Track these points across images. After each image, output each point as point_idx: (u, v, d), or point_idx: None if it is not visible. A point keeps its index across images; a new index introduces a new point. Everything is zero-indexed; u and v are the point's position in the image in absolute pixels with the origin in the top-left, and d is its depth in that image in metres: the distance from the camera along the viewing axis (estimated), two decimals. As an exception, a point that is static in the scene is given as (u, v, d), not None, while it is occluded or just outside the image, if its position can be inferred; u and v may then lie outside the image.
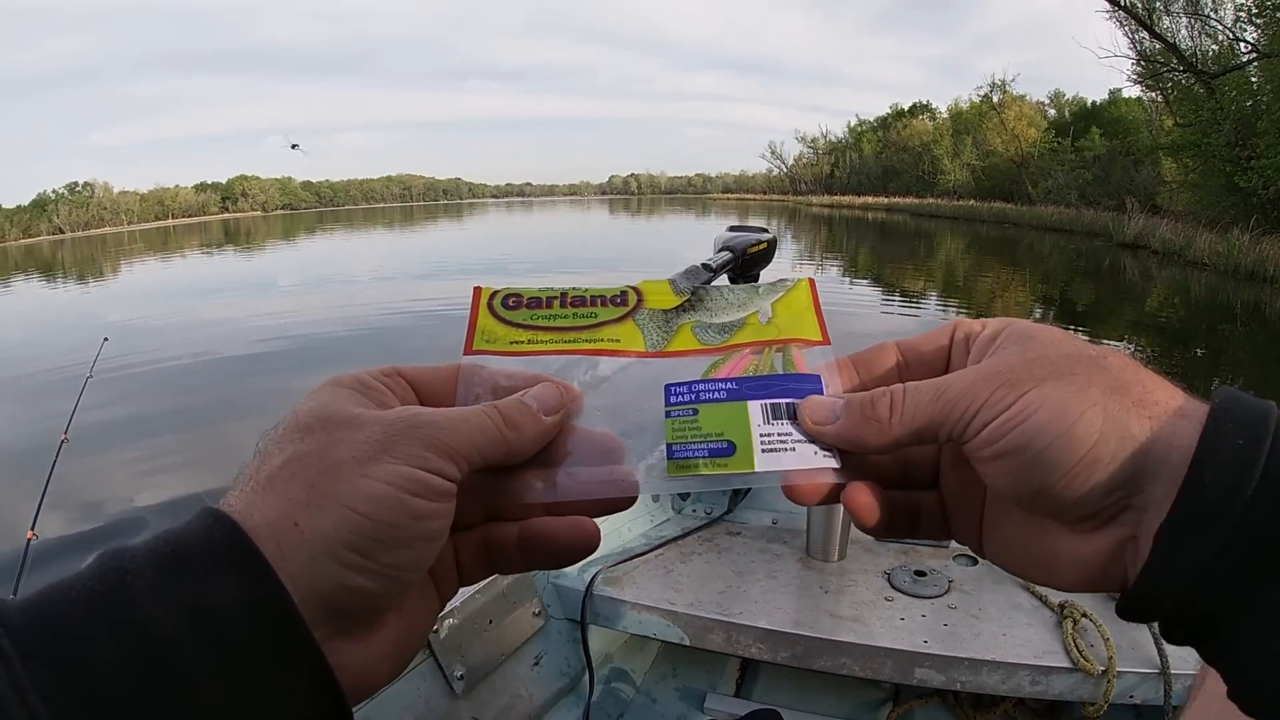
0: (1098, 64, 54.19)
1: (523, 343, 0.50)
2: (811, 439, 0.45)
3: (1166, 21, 24.84)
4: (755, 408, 0.46)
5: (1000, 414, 0.39)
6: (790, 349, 0.50)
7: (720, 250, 1.67)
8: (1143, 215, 27.01)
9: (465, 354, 0.49)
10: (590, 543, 0.45)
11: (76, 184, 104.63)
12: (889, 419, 0.42)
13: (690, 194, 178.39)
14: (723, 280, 1.67)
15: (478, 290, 0.53)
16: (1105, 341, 10.52)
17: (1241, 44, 23.11)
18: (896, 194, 67.30)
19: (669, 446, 0.46)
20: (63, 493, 4.18)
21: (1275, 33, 20.91)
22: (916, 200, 60.63)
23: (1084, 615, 1.48)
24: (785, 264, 19.95)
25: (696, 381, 0.48)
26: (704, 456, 0.45)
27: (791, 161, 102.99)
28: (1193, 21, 24.25)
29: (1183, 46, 24.52)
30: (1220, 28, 23.67)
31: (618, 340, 0.51)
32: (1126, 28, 26.25)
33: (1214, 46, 24.12)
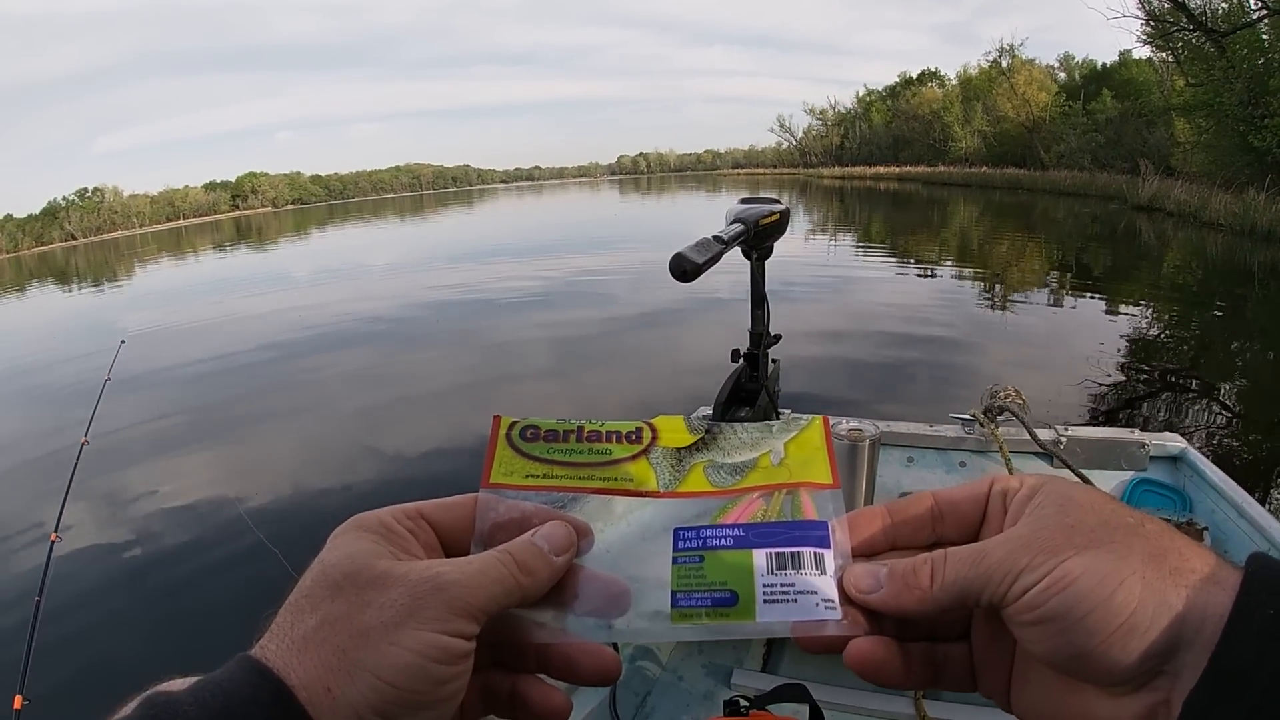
0: (1107, 25, 53.44)
1: (538, 477, 0.51)
2: (817, 592, 0.46)
3: (1175, -22, 24.55)
4: (760, 557, 0.47)
5: (1041, 580, 0.39)
6: (800, 493, 0.50)
7: (733, 223, 1.66)
8: (1157, 177, 26.73)
9: (483, 486, 0.50)
10: (610, 672, 0.47)
11: (87, 190, 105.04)
12: (930, 586, 0.44)
13: (700, 171, 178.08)
14: (735, 253, 1.65)
15: (497, 420, 0.53)
16: (1124, 306, 10.48)
17: (1252, 1, 22.81)
18: (908, 163, 66.79)
19: (674, 595, 0.47)
20: (84, 495, 4.21)
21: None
22: (928, 169, 60.17)
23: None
24: (798, 237, 19.91)
25: (704, 527, 0.49)
26: (707, 606, 0.46)
27: (801, 134, 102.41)
28: (1202, -22, 23.96)
29: (1192, 5, 24.20)
30: (1230, -16, 23.38)
31: (631, 479, 0.51)
32: (1135, -13, 25.95)
33: (1224, 4, 23.72)
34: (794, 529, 0.48)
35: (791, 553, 0.47)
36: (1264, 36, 22.55)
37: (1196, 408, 6.22)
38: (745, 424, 0.54)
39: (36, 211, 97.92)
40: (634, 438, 0.53)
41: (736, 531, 0.48)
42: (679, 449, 0.53)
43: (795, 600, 0.46)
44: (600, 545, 0.49)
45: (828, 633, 0.45)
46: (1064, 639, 0.39)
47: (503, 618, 0.45)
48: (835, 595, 0.46)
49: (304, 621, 0.40)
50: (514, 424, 0.53)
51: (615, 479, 0.51)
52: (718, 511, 0.50)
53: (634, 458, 0.52)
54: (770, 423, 0.54)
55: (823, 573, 0.47)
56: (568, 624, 0.46)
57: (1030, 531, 0.42)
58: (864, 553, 0.48)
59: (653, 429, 0.54)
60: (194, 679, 0.41)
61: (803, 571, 0.46)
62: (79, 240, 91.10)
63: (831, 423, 1.63)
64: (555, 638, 0.46)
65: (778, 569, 0.47)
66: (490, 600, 0.42)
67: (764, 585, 0.46)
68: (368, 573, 0.41)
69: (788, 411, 2.14)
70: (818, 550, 0.47)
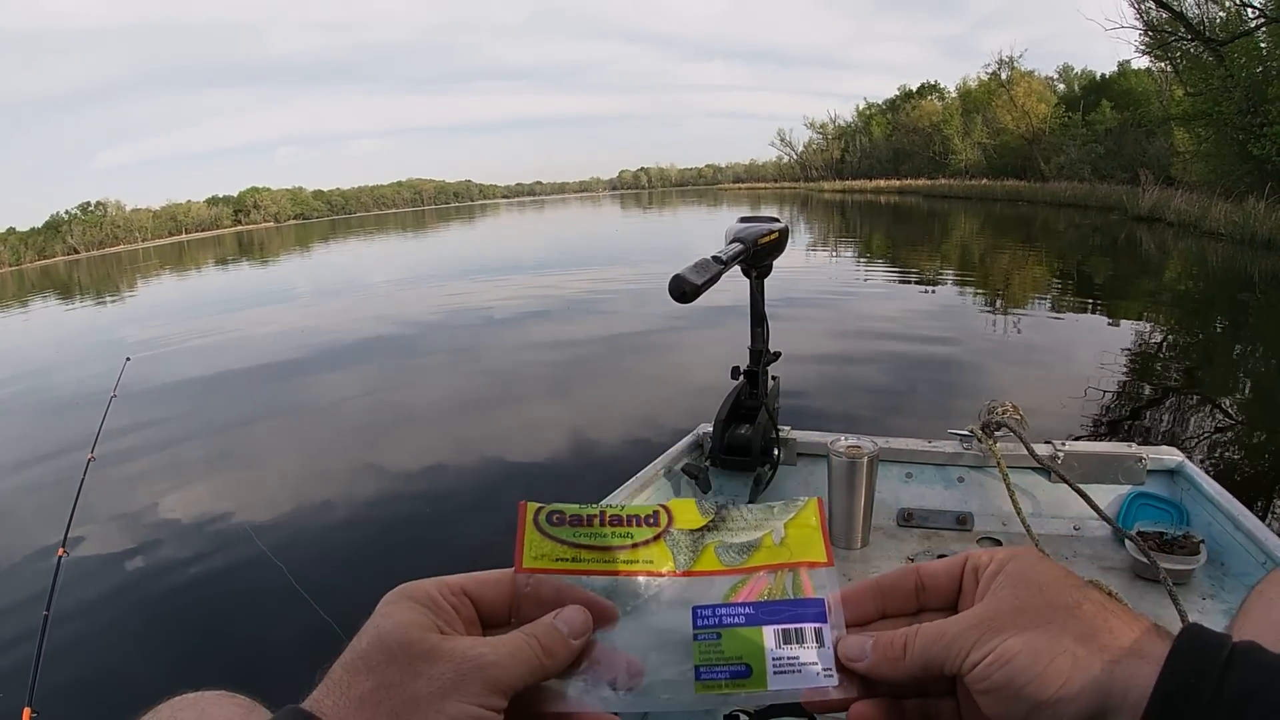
0: (1105, 36, 53.62)
1: (567, 560, 0.56)
2: (818, 663, 0.53)
3: (1173, -11, 24.58)
4: (769, 633, 0.54)
5: (987, 655, 0.46)
6: (800, 573, 0.56)
7: (731, 242, 1.68)
8: (1157, 187, 26.73)
9: (517, 572, 0.55)
10: None
11: (89, 204, 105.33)
12: (904, 658, 0.50)
13: (701, 185, 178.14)
14: (735, 271, 1.67)
15: (523, 506, 0.58)
16: (1125, 317, 10.47)
17: (1249, 9, 22.78)
18: (908, 176, 66.75)
19: (697, 668, 0.52)
20: (91, 510, 4.23)
21: (1284, -3, 20.67)
22: (928, 181, 60.08)
23: (1109, 594, 1.47)
24: (799, 252, 19.91)
25: (720, 606, 0.55)
26: (726, 678, 0.52)
27: (801, 148, 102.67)
28: (1199, -11, 23.99)
29: (1189, 14, 24.20)
30: (1227, -7, 23.41)
31: (651, 561, 0.57)
32: (1133, -2, 25.99)
33: (1221, 13, 23.77)
34: (796, 606, 0.55)
35: (795, 629, 0.54)
36: (1262, 45, 22.55)
37: (1197, 419, 6.21)
38: (749, 506, 0.60)
39: (39, 225, 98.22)
40: (652, 521, 0.58)
41: (748, 610, 0.55)
42: (692, 531, 0.58)
43: (800, 671, 0.53)
44: (625, 622, 0.54)
45: (829, 698, 0.52)
46: (1008, 706, 0.46)
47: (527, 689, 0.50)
48: (833, 664, 0.53)
49: (360, 683, 0.46)
50: (539, 509, 0.58)
51: (636, 561, 0.57)
52: (729, 590, 0.56)
53: (653, 540, 0.58)
54: (771, 505, 0.60)
55: (822, 645, 0.54)
56: (591, 696, 0.52)
57: (984, 611, 0.49)
58: (857, 621, 0.55)
59: (668, 511, 0.59)
60: (205, 694, 0.45)
61: (805, 645, 0.53)
62: (81, 254, 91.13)
63: (830, 439, 1.65)
64: (577, 707, 0.51)
65: (784, 643, 0.53)
66: (519, 679, 0.48)
67: (773, 659, 0.53)
68: (420, 645, 0.47)
69: (788, 427, 2.16)
70: (816, 626, 0.54)
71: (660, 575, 0.56)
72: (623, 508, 0.59)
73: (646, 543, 0.57)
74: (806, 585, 0.56)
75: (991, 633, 0.47)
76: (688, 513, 0.59)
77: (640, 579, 0.56)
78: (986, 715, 0.48)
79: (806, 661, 0.53)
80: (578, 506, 0.58)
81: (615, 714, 0.51)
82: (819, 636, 0.54)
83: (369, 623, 0.49)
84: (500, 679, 0.47)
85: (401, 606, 0.50)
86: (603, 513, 0.58)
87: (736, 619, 0.54)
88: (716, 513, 0.59)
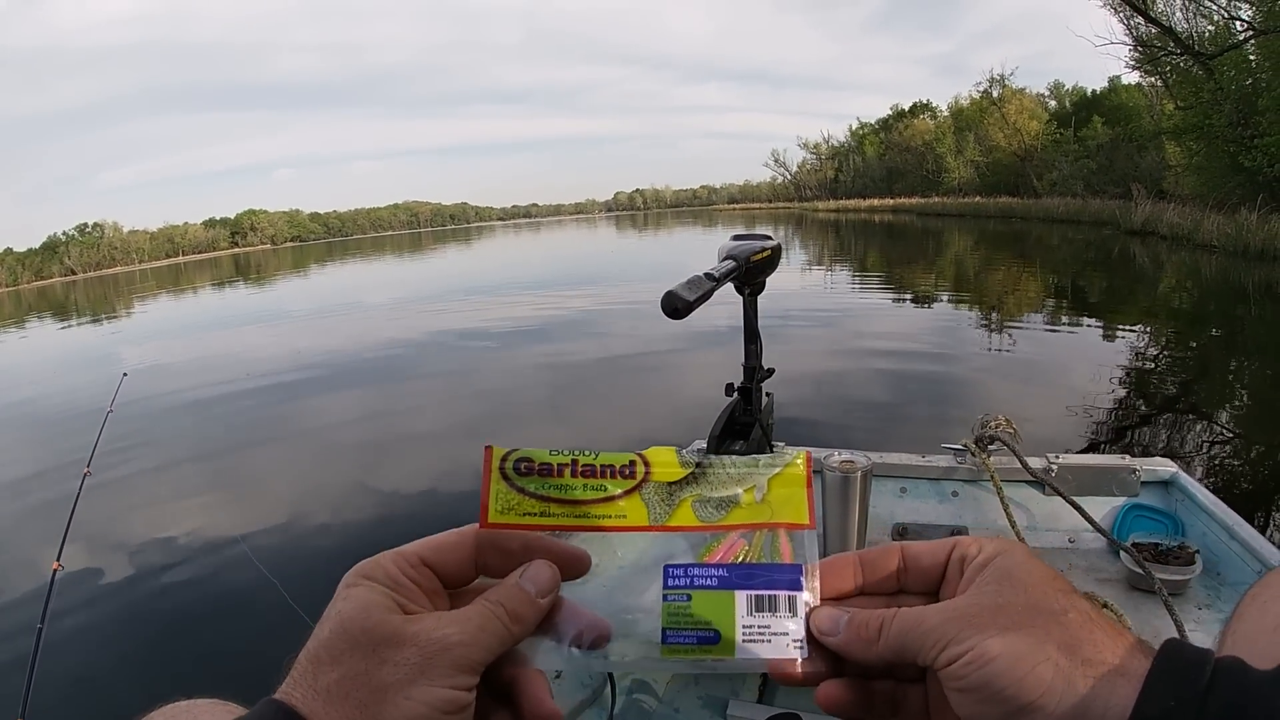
0: (1095, 52, 53.94)
1: (536, 515, 0.53)
2: (789, 633, 0.51)
3: (1161, 4, 24.73)
4: (741, 598, 0.52)
5: (965, 653, 0.44)
6: (778, 535, 0.54)
7: (724, 259, 1.68)
8: (1149, 201, 26.87)
9: (481, 527, 0.53)
10: None
11: (87, 225, 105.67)
12: (877, 640, 0.48)
13: (696, 206, 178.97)
14: (728, 287, 1.67)
15: (489, 451, 0.54)
16: (1119, 330, 10.49)
17: (1237, 22, 22.96)
18: (901, 195, 67.06)
19: (664, 631, 0.51)
20: (87, 525, 4.22)
21: (1271, 9, 20.78)
22: (922, 200, 60.41)
23: (1105, 605, 1.49)
24: (794, 270, 19.94)
25: (692, 566, 0.53)
26: (693, 643, 0.51)
27: (795, 168, 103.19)
28: (1187, 3, 24.10)
29: (1178, 29, 24.38)
30: (1215, 7, 23.50)
31: (624, 515, 0.54)
32: (1121, 14, 26.14)
33: (1210, 27, 23.95)
34: (771, 572, 0.52)
35: (768, 596, 0.52)
36: (1251, 57, 22.74)
37: (1191, 431, 6.21)
38: (735, 458, 0.56)
39: (36, 246, 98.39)
40: (627, 472, 0.55)
41: (721, 572, 0.52)
42: (670, 484, 0.55)
43: (770, 641, 0.50)
44: (595, 577, 0.53)
45: (796, 670, 0.50)
46: (982, 708, 0.44)
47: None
48: (804, 636, 0.51)
49: (326, 674, 0.44)
50: (506, 455, 0.54)
51: (609, 515, 0.54)
52: (704, 549, 0.53)
53: (628, 493, 0.54)
54: (758, 456, 0.56)
55: (794, 614, 0.51)
56: (558, 655, 0.50)
57: (965, 604, 0.47)
58: (834, 596, 0.53)
59: (645, 463, 0.55)
60: (198, 702, 0.47)
61: (777, 614, 0.51)
62: (79, 275, 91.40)
63: (824, 455, 1.65)
64: (548, 665, 0.50)
65: (756, 611, 0.51)
66: (489, 653, 0.47)
67: (743, 626, 0.51)
68: (383, 629, 0.46)
69: (781, 444, 2.16)
70: (790, 594, 0.52)
71: (633, 530, 0.54)
72: (597, 455, 0.55)
73: (620, 495, 0.54)
74: (785, 549, 0.53)
75: (971, 629, 0.45)
76: (666, 464, 0.56)
77: (613, 534, 0.54)
78: (957, 713, 0.46)
79: (777, 631, 0.51)
80: (548, 453, 0.55)
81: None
82: (792, 605, 0.51)
83: (329, 608, 0.48)
84: (467, 658, 0.46)
85: (361, 590, 0.48)
86: (575, 461, 0.55)
87: (709, 581, 0.52)
88: (697, 464, 0.56)
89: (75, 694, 3.41)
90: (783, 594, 0.52)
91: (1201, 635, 1.43)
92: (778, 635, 0.50)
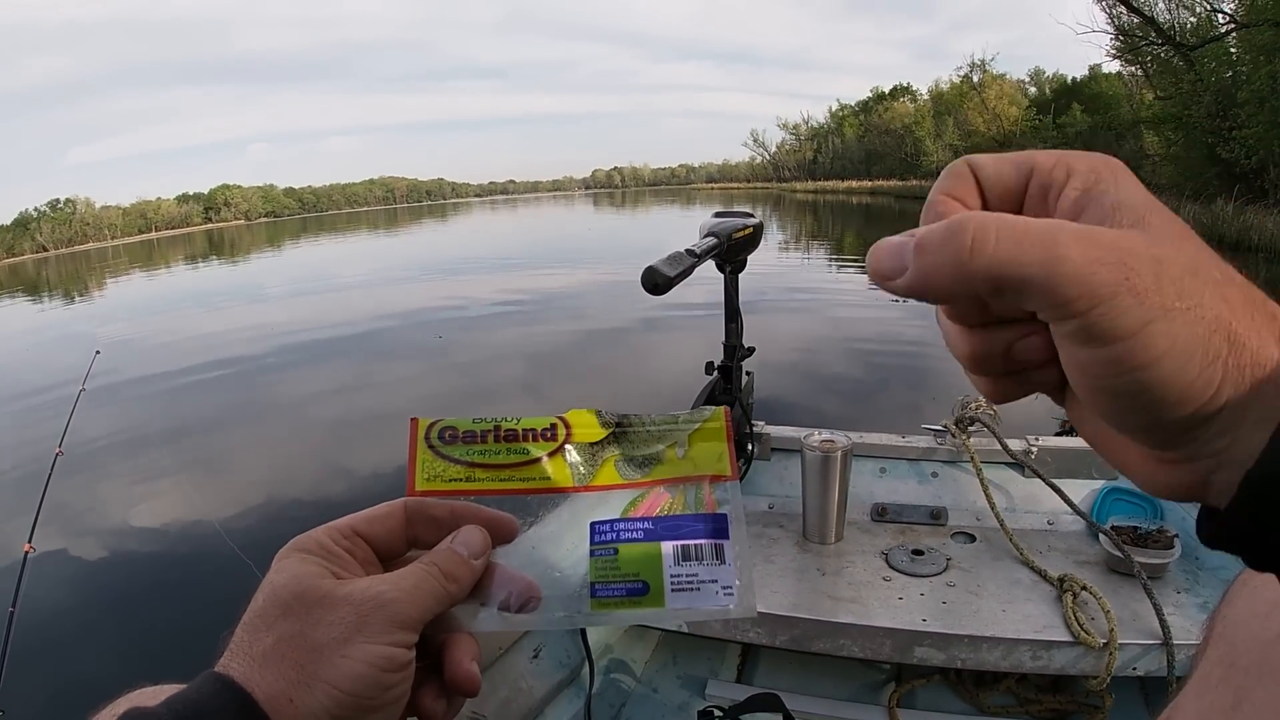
0: (1076, 40, 54.01)
1: (461, 480, 0.54)
2: (717, 580, 0.51)
3: (1143, -6, 24.85)
4: (668, 549, 0.52)
5: (1121, 339, 0.31)
6: (703, 486, 0.54)
7: (706, 236, 1.67)
8: (1126, 189, 27.02)
9: (409, 494, 0.54)
10: (466, 689, 0.51)
11: (58, 201, 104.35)
12: (969, 253, 0.32)
13: (674, 185, 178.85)
14: (709, 265, 1.66)
15: (414, 423, 0.55)
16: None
17: (1219, 15, 23.12)
18: (880, 177, 67.39)
19: (593, 585, 0.51)
20: (59, 505, 4.18)
21: (1252, 2, 20.92)
22: (900, 183, 60.69)
23: (1084, 588, 1.48)
24: (771, 251, 19.98)
25: (618, 521, 0.53)
26: (622, 596, 0.51)
27: (774, 148, 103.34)
28: (1170, -6, 24.27)
29: (1160, 19, 24.51)
30: (1197, -1, 23.70)
31: (548, 477, 0.55)
32: (1104, 2, 26.25)
33: (1192, 19, 24.09)
34: (697, 522, 0.53)
35: (695, 545, 0.52)
36: (1231, 50, 22.91)
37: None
38: (654, 416, 0.57)
39: (7, 222, 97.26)
40: (549, 435, 0.55)
41: (646, 525, 0.53)
42: (591, 444, 0.56)
43: (698, 589, 0.51)
44: (523, 540, 0.53)
45: (725, 618, 0.51)
46: (1126, 414, 0.34)
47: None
48: (734, 582, 0.51)
49: (261, 640, 0.44)
50: (431, 425, 0.55)
51: (533, 478, 0.54)
52: (628, 505, 0.54)
53: (550, 456, 0.55)
54: (676, 415, 0.57)
55: (722, 562, 0.51)
56: (491, 618, 0.51)
57: (1113, 245, 0.32)
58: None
59: (566, 425, 0.56)
60: (165, 687, 0.45)
61: (704, 562, 0.51)
62: (50, 252, 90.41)
63: (804, 434, 1.64)
64: (482, 628, 0.51)
65: (683, 560, 0.51)
66: (425, 611, 0.47)
67: (671, 575, 0.51)
68: (314, 593, 0.45)
69: (761, 422, 2.15)
70: (717, 542, 0.52)
71: (558, 491, 0.54)
72: (518, 420, 0.56)
73: (543, 458, 0.55)
74: (709, 500, 0.54)
75: (1130, 294, 0.31)
76: (587, 424, 0.56)
77: (537, 496, 0.54)
78: (1084, 405, 0.37)
79: (706, 580, 0.51)
80: (471, 421, 0.55)
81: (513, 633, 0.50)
82: (719, 553, 0.52)
83: (263, 581, 0.47)
84: (404, 613, 0.46)
85: (293, 560, 0.48)
86: (497, 427, 0.55)
87: (635, 534, 0.52)
88: (618, 424, 0.57)
89: (49, 679, 3.39)
90: (708, 542, 0.52)
91: (1180, 620, 1.43)
92: (706, 584, 0.51)
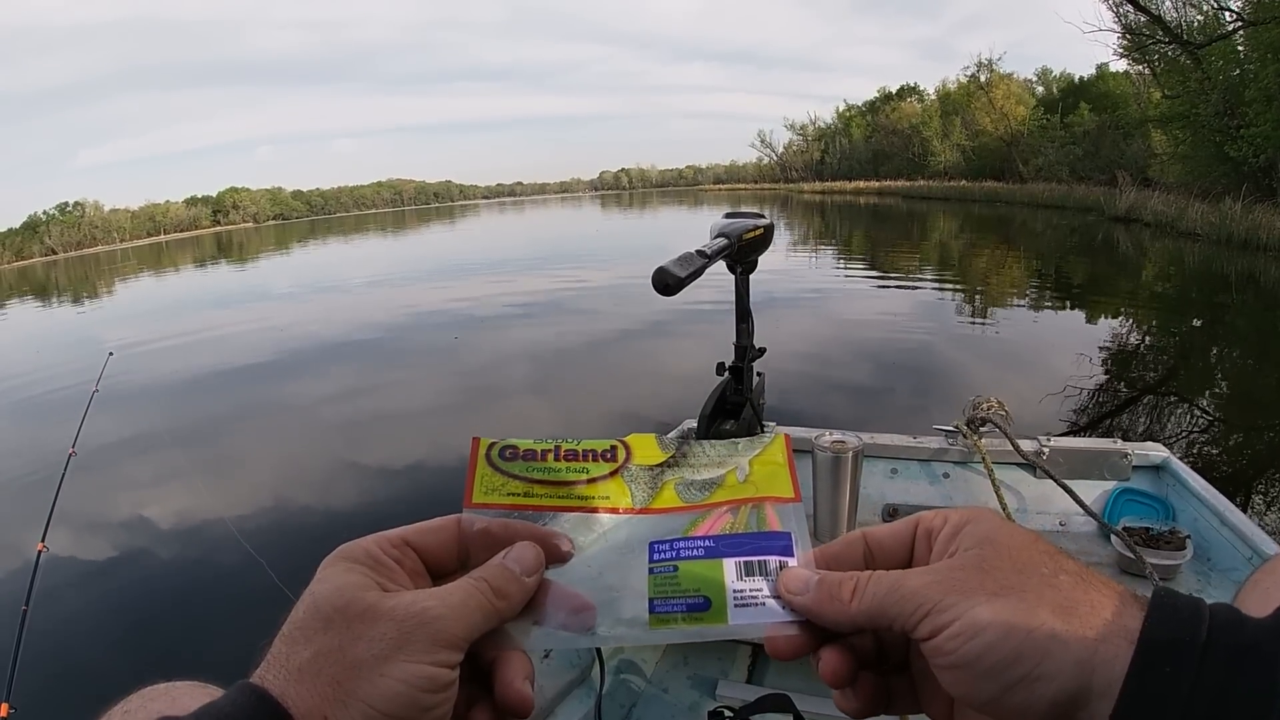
0: (1083, 39, 54.05)
1: (519, 495, 0.54)
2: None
3: (1150, -8, 24.76)
4: (730, 565, 0.50)
5: (950, 623, 0.41)
6: (764, 507, 0.53)
7: (716, 237, 1.66)
8: (1134, 188, 26.88)
9: (466, 507, 0.53)
10: (518, 710, 0.48)
11: (67, 204, 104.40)
12: (849, 602, 0.46)
13: (682, 186, 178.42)
14: (720, 266, 1.66)
15: (476, 441, 0.55)
16: (1103, 316, 10.54)
17: (1226, 13, 23.01)
18: (887, 177, 67.07)
19: (651, 601, 0.49)
20: (72, 505, 4.19)
21: (1260, 1, 20.84)
22: (908, 183, 60.43)
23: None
24: (781, 251, 19.95)
25: (678, 539, 0.52)
26: (682, 612, 0.49)
27: (781, 149, 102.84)
28: (1177, -8, 24.17)
29: (1167, 18, 24.41)
30: (1204, -3, 23.60)
31: (607, 497, 0.54)
32: (1110, 1, 26.16)
33: (1199, 17, 23.96)
34: (760, 539, 0.51)
35: (759, 560, 0.50)
36: (1239, 48, 22.80)
37: (1178, 415, 6.25)
38: (713, 442, 0.57)
39: (16, 225, 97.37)
40: (609, 456, 0.55)
41: (707, 543, 0.51)
42: (651, 466, 0.56)
43: (763, 604, 0.49)
44: (580, 559, 0.52)
45: (793, 636, 0.48)
46: (976, 684, 0.41)
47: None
48: None
49: (299, 653, 0.43)
50: (493, 444, 0.55)
51: (592, 497, 0.54)
52: (688, 526, 0.53)
53: (609, 476, 0.55)
54: (736, 440, 0.57)
55: None
56: (544, 635, 0.49)
57: (947, 569, 0.44)
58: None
59: (626, 447, 0.56)
60: (175, 684, 0.47)
61: (769, 578, 0.50)
62: (59, 255, 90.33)
63: (815, 435, 1.64)
64: (535, 645, 0.49)
65: (746, 575, 0.50)
66: (472, 629, 0.45)
67: (734, 591, 0.49)
68: (357, 606, 0.44)
69: (772, 424, 2.15)
70: (783, 559, 0.50)
71: (616, 512, 0.54)
72: (579, 442, 0.56)
73: (603, 478, 0.55)
74: (771, 519, 0.52)
75: (956, 594, 0.42)
76: (647, 448, 0.56)
77: (596, 515, 0.54)
78: (949, 692, 0.44)
79: (771, 595, 0.49)
80: (532, 441, 0.55)
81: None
82: (784, 570, 0.50)
83: (305, 591, 0.46)
84: (449, 631, 0.44)
85: (338, 569, 0.47)
86: (558, 447, 0.55)
87: (695, 552, 0.51)
88: (678, 448, 0.57)
89: (60, 677, 3.38)
90: (774, 559, 0.50)
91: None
92: (771, 599, 0.49)
